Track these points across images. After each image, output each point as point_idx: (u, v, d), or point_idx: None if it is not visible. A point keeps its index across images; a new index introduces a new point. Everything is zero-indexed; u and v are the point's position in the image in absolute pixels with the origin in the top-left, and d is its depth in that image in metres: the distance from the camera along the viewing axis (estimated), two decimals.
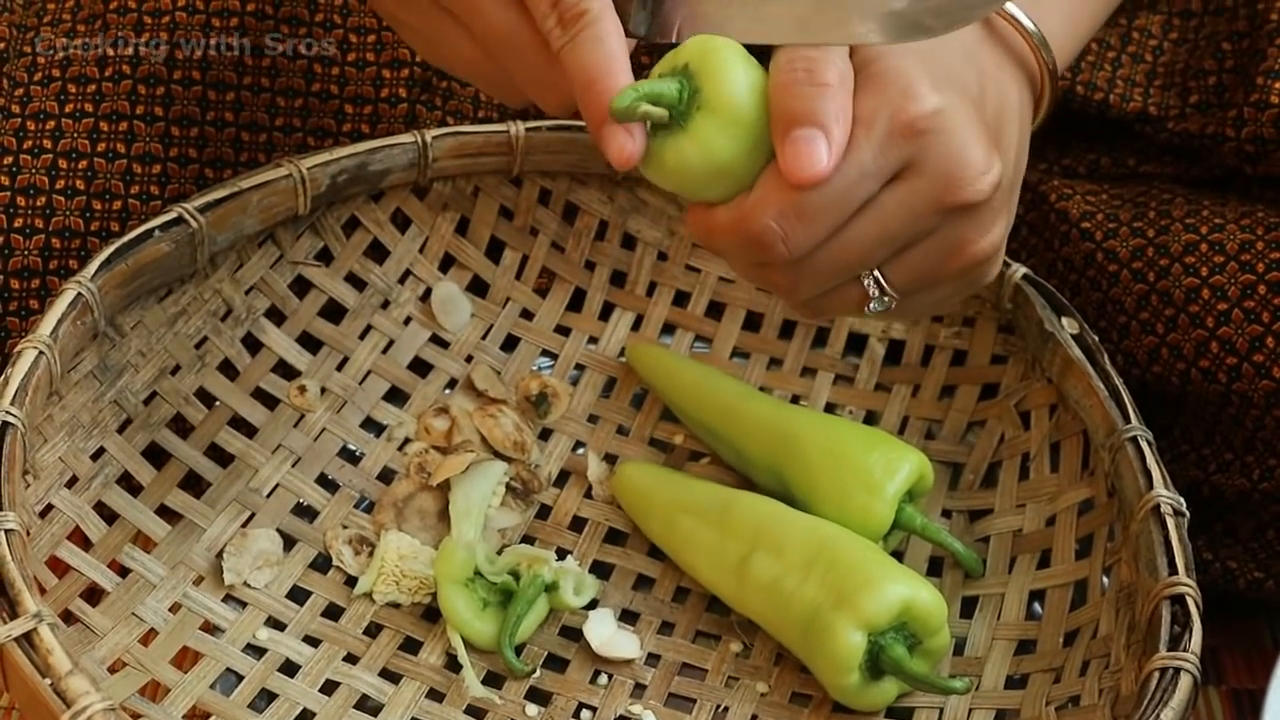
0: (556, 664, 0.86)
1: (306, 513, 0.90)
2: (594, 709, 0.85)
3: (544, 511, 0.92)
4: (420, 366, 0.96)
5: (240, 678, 0.83)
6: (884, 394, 0.96)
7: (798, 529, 0.85)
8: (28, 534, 0.77)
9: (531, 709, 0.84)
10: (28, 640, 0.72)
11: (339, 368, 0.94)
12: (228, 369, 0.91)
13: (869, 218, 0.76)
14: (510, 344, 0.97)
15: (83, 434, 0.85)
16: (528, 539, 0.91)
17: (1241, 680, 0.94)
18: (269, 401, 0.92)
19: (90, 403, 0.86)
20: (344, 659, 0.85)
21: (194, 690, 0.82)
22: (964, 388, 0.95)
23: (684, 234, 0.98)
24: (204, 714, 0.82)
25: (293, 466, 0.91)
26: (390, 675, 0.85)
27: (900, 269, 0.78)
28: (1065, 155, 1.00)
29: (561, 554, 0.90)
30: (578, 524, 0.92)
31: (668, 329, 0.98)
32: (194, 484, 0.89)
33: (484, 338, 0.97)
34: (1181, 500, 0.83)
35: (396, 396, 0.94)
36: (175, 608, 0.84)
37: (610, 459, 0.94)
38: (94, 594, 0.83)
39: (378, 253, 0.96)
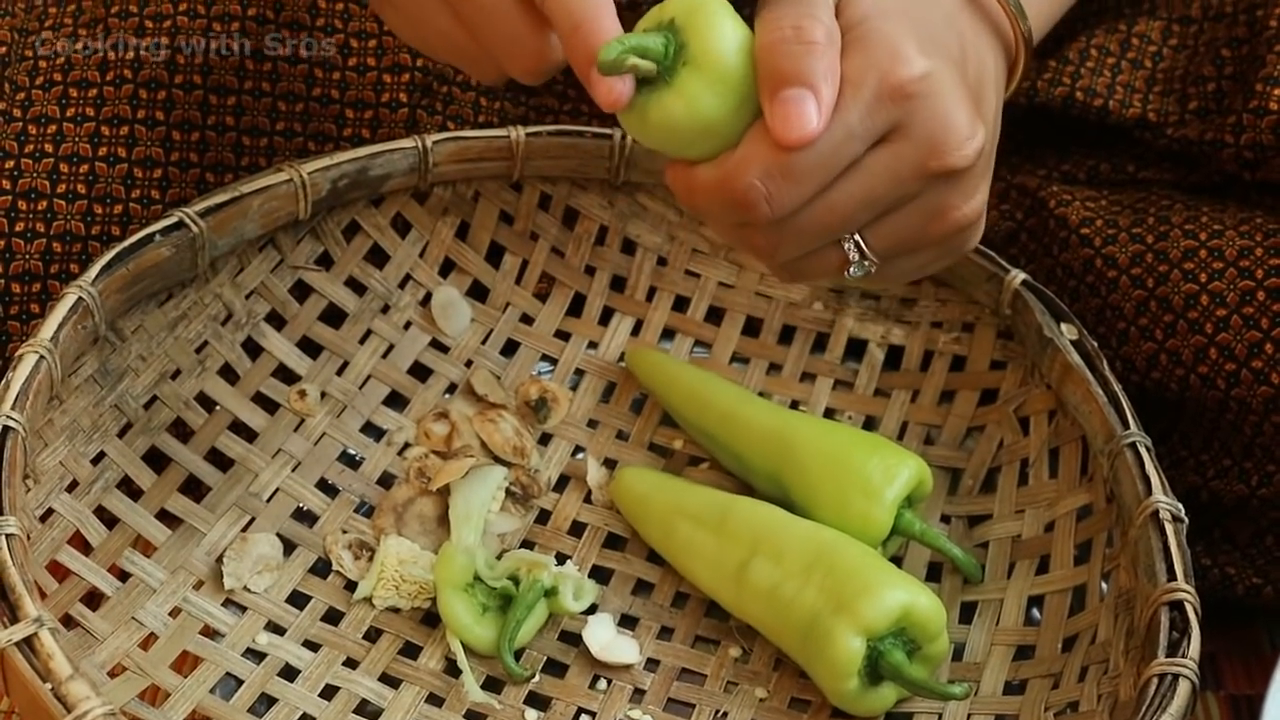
0: (556, 669, 0.86)
1: (306, 517, 0.90)
2: (593, 714, 0.85)
3: (543, 516, 0.92)
4: (420, 371, 0.96)
5: (240, 682, 0.83)
6: (883, 399, 0.96)
7: (797, 534, 0.86)
8: (28, 538, 0.77)
9: (531, 714, 0.84)
10: (28, 645, 0.72)
11: (339, 372, 0.94)
12: (228, 373, 0.92)
13: (853, 180, 0.75)
14: (510, 349, 0.97)
15: (83, 438, 0.85)
16: (527, 544, 0.91)
17: (1240, 686, 0.94)
18: (269, 406, 0.92)
19: (91, 407, 0.86)
20: (344, 664, 0.85)
21: (194, 695, 0.82)
22: (963, 393, 0.95)
23: (683, 240, 0.99)
24: (204, 718, 0.82)
25: (293, 471, 0.91)
26: (390, 680, 0.85)
27: (881, 233, 0.78)
28: (1065, 161, 1.00)
29: (561, 559, 0.90)
30: (577, 529, 0.92)
31: (667, 334, 0.98)
32: (194, 488, 0.89)
33: (484, 342, 0.97)
34: (1180, 506, 0.83)
35: (396, 401, 0.95)
36: (175, 612, 0.84)
37: (610, 464, 0.94)
38: (94, 598, 0.83)
39: (378, 257, 0.96)
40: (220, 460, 0.90)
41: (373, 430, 0.94)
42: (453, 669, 0.85)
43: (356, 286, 0.95)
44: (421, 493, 0.91)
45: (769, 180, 0.74)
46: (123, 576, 0.84)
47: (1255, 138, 0.94)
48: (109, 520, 0.85)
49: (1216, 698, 0.94)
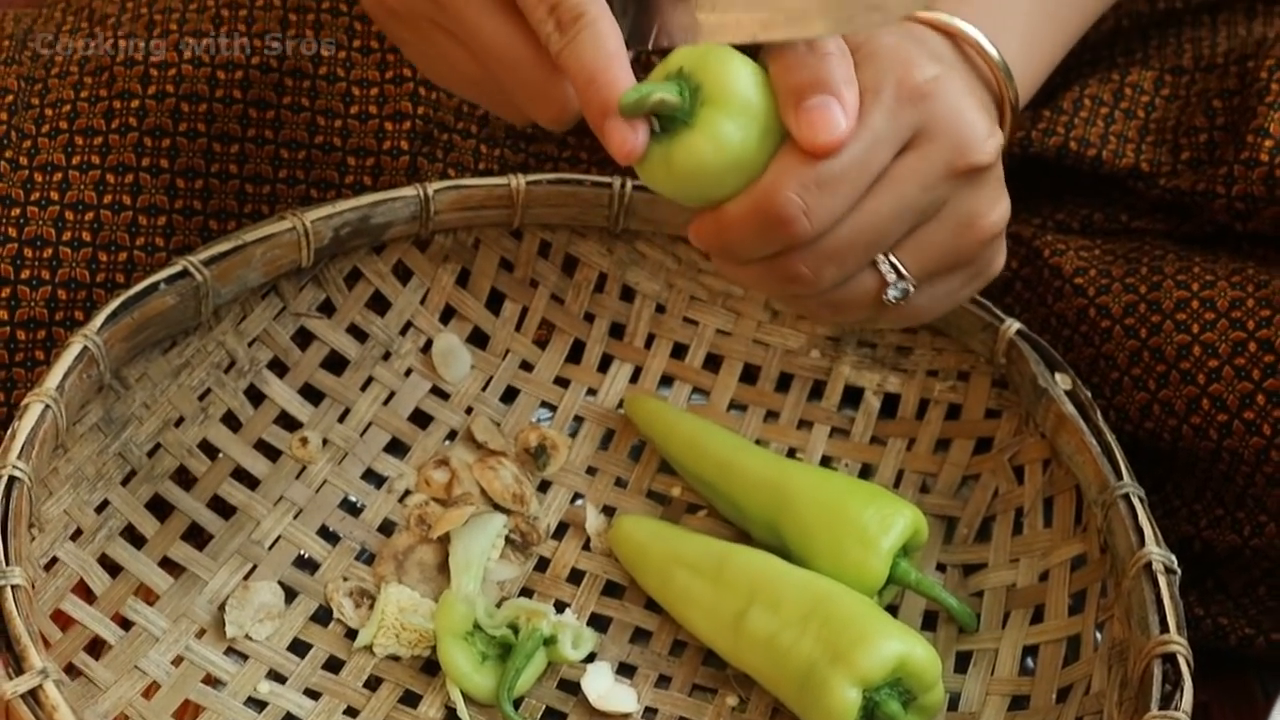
0: (555, 717, 0.87)
1: (308, 565, 0.91)
2: None
3: (542, 564, 0.93)
4: (421, 418, 0.96)
5: None
6: (879, 447, 0.97)
7: (793, 584, 0.86)
8: (33, 587, 0.78)
9: None
10: (33, 696, 0.73)
11: (340, 419, 0.95)
12: (231, 420, 0.92)
13: (884, 190, 0.77)
14: (510, 395, 0.98)
15: (87, 486, 0.86)
16: (526, 591, 0.92)
17: None
18: (271, 453, 0.93)
19: (95, 455, 0.87)
20: (344, 712, 0.86)
21: None
22: (958, 442, 0.96)
23: (681, 288, 0.99)
24: None
25: (294, 518, 0.91)
26: None
27: (915, 249, 0.79)
28: (1058, 210, 1.01)
29: (560, 606, 0.91)
30: (576, 576, 0.92)
31: (666, 381, 0.99)
32: (196, 535, 0.89)
33: (484, 389, 0.98)
34: (1173, 558, 0.83)
35: (397, 448, 0.95)
36: (178, 660, 0.85)
37: (608, 511, 0.95)
38: (97, 646, 0.84)
39: (379, 304, 0.97)
40: (222, 508, 0.90)
41: (373, 477, 0.94)
42: (452, 717, 0.86)
43: (358, 333, 0.96)
44: (422, 540, 0.92)
45: (805, 192, 0.75)
46: (125, 625, 0.85)
47: (1246, 189, 0.95)
48: (112, 568, 0.86)
49: None
